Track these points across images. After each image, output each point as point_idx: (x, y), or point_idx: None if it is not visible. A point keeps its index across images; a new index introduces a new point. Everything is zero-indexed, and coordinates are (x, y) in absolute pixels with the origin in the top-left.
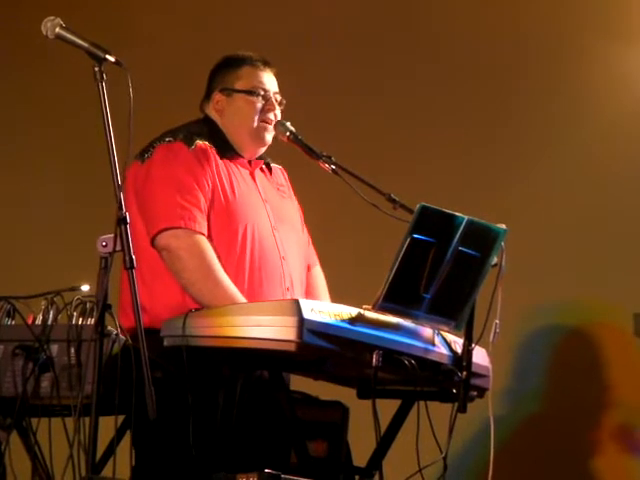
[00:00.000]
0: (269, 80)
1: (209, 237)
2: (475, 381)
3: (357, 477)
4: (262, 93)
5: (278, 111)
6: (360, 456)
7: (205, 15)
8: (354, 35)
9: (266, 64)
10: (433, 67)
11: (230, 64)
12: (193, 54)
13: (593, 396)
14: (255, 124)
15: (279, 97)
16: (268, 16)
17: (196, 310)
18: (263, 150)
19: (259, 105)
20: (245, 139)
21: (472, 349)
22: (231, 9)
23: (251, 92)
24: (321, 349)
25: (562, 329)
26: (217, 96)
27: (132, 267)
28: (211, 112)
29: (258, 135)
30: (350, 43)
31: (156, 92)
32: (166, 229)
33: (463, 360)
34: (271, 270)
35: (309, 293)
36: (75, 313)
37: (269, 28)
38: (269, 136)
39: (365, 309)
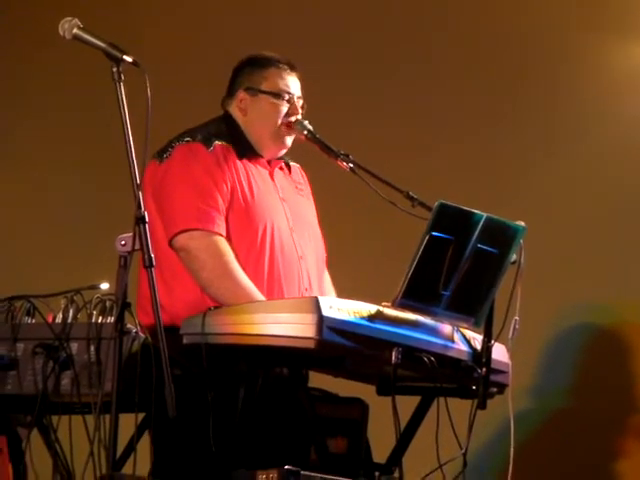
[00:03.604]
0: (294, 84)
1: (228, 238)
2: (495, 377)
3: (377, 473)
4: (287, 97)
5: (300, 116)
6: (380, 452)
7: (215, 15)
8: (368, 36)
9: (292, 68)
10: (445, 66)
11: (256, 64)
12: (205, 53)
13: (618, 395)
14: (277, 127)
15: (301, 101)
16: (278, 15)
17: (215, 308)
18: (283, 152)
19: (283, 109)
20: (266, 140)
21: (491, 345)
22: (240, 9)
23: (277, 95)
24: (340, 346)
25: (587, 327)
26: (241, 94)
27: (151, 266)
28: (234, 110)
29: (279, 138)
30: (364, 43)
31: (168, 91)
32: (183, 231)
33: (483, 356)
34: (289, 269)
35: None
36: (95, 311)
37: (281, 27)
38: (290, 139)
39: (384, 306)
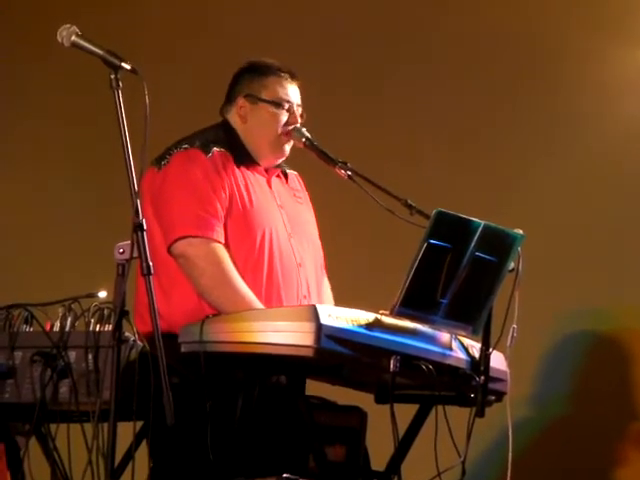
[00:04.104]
0: (294, 93)
1: (227, 245)
2: (493, 385)
3: None
4: (287, 106)
5: (298, 125)
6: (378, 461)
7: (214, 22)
8: (367, 36)
9: (293, 76)
10: (445, 66)
11: (256, 71)
12: (204, 61)
13: (617, 402)
14: (276, 136)
15: (301, 110)
16: (276, 17)
17: (213, 316)
18: (281, 160)
19: (283, 118)
20: (264, 149)
21: (490, 353)
22: (239, 14)
23: (277, 104)
24: (338, 355)
25: (586, 334)
26: (241, 101)
27: (149, 273)
28: (233, 117)
29: (278, 147)
30: (363, 44)
31: (166, 98)
32: (182, 238)
33: (481, 364)
34: (288, 277)
35: None
36: (93, 319)
37: (278, 29)
38: (288, 147)
39: (382, 314)
